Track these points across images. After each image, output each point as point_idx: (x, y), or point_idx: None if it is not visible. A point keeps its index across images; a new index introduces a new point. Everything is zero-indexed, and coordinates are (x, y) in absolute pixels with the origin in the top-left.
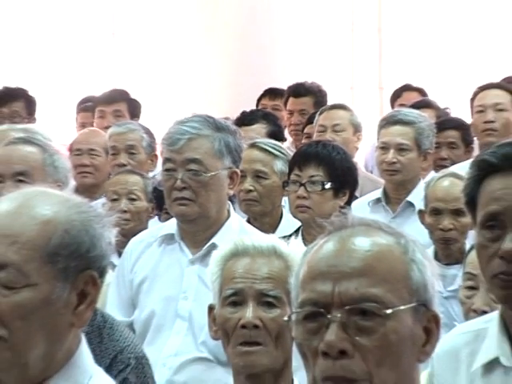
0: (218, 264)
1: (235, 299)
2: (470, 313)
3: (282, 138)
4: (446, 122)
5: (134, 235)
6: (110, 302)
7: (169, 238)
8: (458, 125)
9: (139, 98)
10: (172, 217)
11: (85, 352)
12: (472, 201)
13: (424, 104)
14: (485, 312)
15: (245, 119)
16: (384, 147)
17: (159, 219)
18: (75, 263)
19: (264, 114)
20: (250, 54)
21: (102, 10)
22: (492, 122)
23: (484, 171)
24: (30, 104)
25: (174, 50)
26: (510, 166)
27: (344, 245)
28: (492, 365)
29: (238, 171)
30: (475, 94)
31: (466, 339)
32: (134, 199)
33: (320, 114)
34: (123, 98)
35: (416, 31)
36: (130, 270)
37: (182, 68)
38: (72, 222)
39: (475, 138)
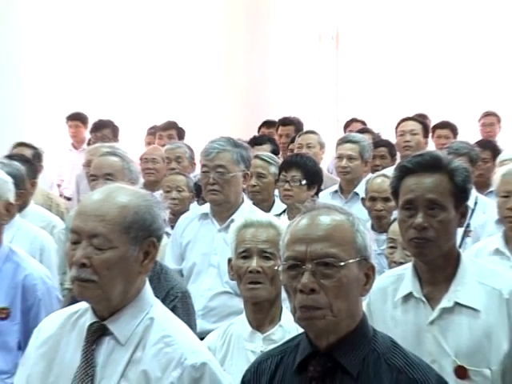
0: (234, 232)
1: (245, 254)
2: (392, 264)
3: (278, 153)
4: (379, 142)
5: (181, 214)
6: (167, 256)
7: (205, 216)
8: (387, 143)
9: (184, 126)
10: (206, 202)
11: (148, 290)
12: (395, 191)
13: (365, 130)
14: (401, 263)
15: (256, 141)
16: (340, 157)
17: (198, 203)
18: (142, 233)
19: (268, 138)
20: (254, 99)
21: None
22: (409, 141)
23: (403, 172)
24: (114, 130)
25: (206, 97)
26: (420, 169)
27: (313, 220)
28: (408, 297)
29: (249, 173)
30: (398, 124)
31: (391, 280)
32: (180, 191)
33: (299, 136)
34: (174, 126)
35: (359, 85)
36: (180, 236)
37: (211, 108)
38: (140, 207)
39: (398, 152)
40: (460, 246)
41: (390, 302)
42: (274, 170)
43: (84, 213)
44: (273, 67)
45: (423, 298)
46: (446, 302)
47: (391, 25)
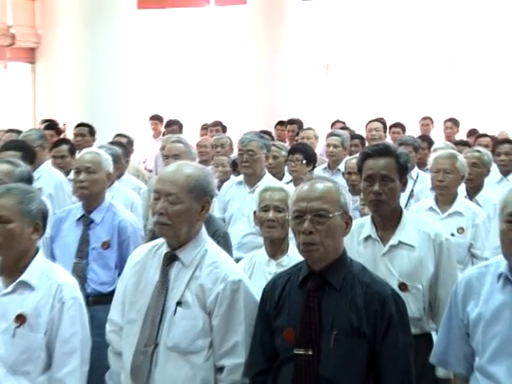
0: (258, 194)
1: (265, 208)
2: (363, 215)
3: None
4: (354, 135)
5: (224, 182)
6: (215, 208)
7: (240, 183)
8: (359, 137)
9: (226, 124)
10: (241, 174)
11: (203, 231)
12: (360, 169)
13: (344, 128)
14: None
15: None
16: (328, 145)
17: (234, 175)
18: (201, 193)
19: (265, 132)
20: (271, 107)
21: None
22: (374, 135)
23: (365, 156)
24: (180, 126)
25: (240, 106)
26: (376, 154)
27: (311, 186)
28: (367, 238)
29: (269, 155)
30: (367, 124)
31: (357, 226)
32: (224, 167)
33: (301, 131)
34: (219, 124)
35: (341, 99)
36: (224, 195)
37: (244, 113)
38: (199, 176)
39: (366, 142)
40: (406, 205)
41: (355, 241)
42: (284, 153)
43: (163, 179)
44: (285, 86)
45: (378, 239)
46: (393, 241)
47: (363, 59)
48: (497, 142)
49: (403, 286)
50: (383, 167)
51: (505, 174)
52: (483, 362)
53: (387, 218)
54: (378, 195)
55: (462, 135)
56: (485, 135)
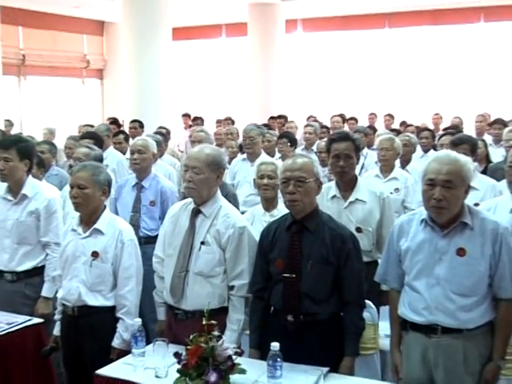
0: (256, 166)
1: (261, 177)
2: (330, 181)
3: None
4: (322, 126)
5: (233, 159)
6: (227, 177)
7: (244, 159)
8: (326, 127)
9: (235, 119)
10: (244, 153)
11: (219, 193)
12: (328, 150)
13: (315, 121)
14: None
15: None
16: (305, 133)
17: (241, 153)
18: (216, 167)
19: (265, 125)
20: (266, 106)
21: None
22: (336, 126)
23: (331, 141)
24: (202, 121)
25: (244, 106)
26: (339, 139)
27: (294, 161)
28: (333, 197)
29: (264, 140)
30: (331, 118)
31: (326, 188)
32: (232, 148)
33: (286, 123)
34: (230, 119)
35: (313, 101)
36: (233, 168)
37: (247, 111)
38: (215, 155)
39: (331, 131)
40: (360, 174)
41: (325, 199)
42: (275, 138)
43: (190, 157)
44: (275, 92)
45: (341, 197)
46: (351, 198)
47: (329, 73)
48: (419, 130)
49: (359, 229)
50: (345, 148)
51: (425, 151)
52: (410, 280)
53: (347, 183)
54: (343, 168)
55: (395, 125)
56: (411, 125)
